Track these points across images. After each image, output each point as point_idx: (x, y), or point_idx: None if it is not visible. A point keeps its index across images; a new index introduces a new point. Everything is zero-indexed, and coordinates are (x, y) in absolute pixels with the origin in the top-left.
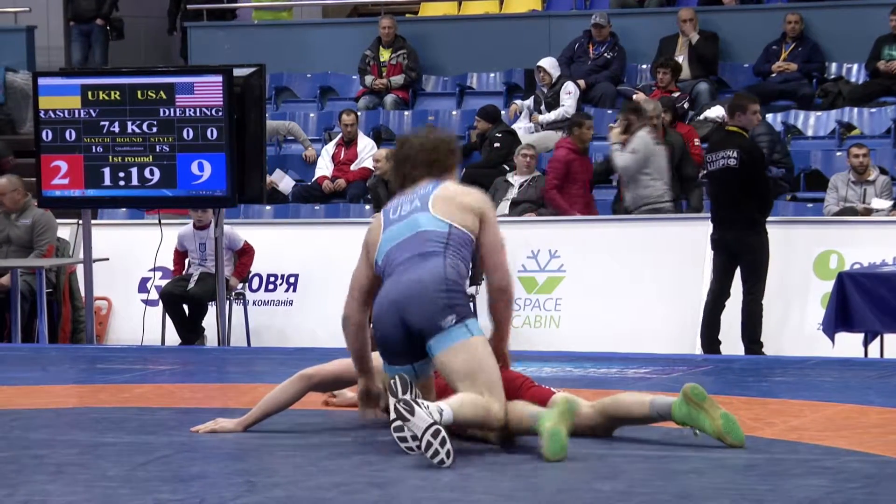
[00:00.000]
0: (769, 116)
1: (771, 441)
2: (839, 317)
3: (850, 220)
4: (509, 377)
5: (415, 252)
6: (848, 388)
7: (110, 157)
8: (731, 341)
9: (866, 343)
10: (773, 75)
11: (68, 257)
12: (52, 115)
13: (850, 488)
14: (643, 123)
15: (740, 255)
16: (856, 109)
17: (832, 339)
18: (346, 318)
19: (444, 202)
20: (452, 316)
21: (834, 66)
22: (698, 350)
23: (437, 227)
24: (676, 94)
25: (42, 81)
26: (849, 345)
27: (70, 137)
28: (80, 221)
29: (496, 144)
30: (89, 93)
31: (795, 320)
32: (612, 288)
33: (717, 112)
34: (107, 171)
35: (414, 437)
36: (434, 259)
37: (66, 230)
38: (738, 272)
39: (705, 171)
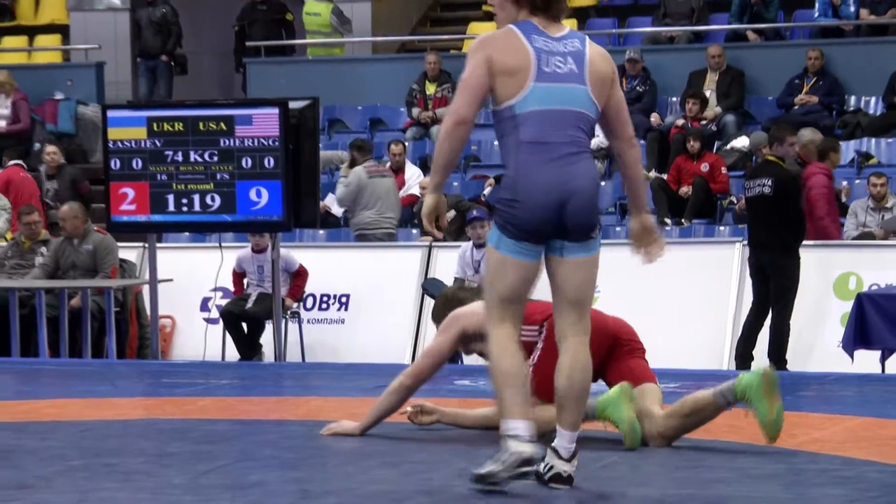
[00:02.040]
0: None
1: (794, 451)
2: (858, 335)
3: (869, 244)
4: (629, 335)
5: (569, 138)
6: (867, 402)
7: (174, 185)
8: (757, 357)
9: (883, 359)
10: (796, 107)
11: (135, 278)
12: (120, 146)
13: (869, 497)
14: (366, 159)
15: (772, 276)
16: (874, 140)
17: (851, 356)
18: (461, 119)
19: (596, 77)
20: (597, 228)
21: (853, 98)
22: (726, 366)
23: (590, 112)
24: (704, 124)
25: (111, 114)
26: (867, 361)
27: (137, 166)
28: (146, 245)
29: None
30: (154, 124)
31: (817, 338)
32: (642, 307)
33: (742, 142)
34: (171, 197)
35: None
36: (587, 161)
37: (132, 253)
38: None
39: (743, 197)
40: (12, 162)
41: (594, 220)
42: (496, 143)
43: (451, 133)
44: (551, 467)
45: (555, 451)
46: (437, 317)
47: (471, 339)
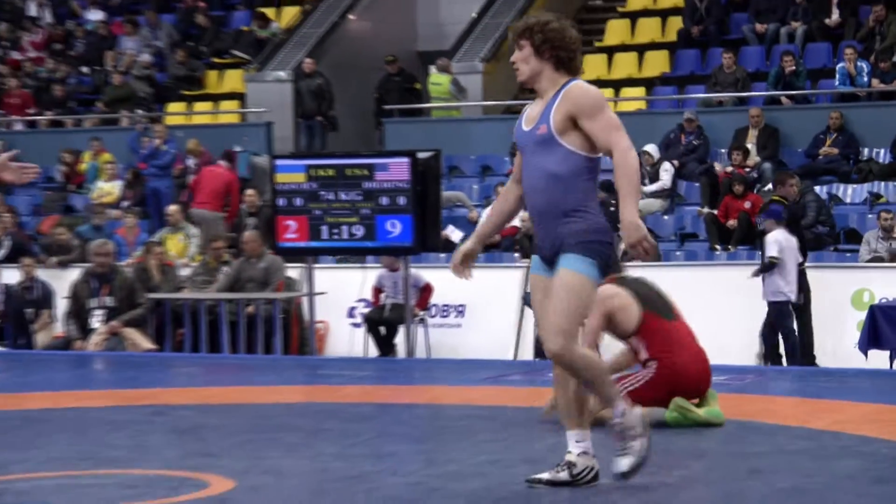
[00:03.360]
0: (817, 188)
1: (820, 431)
2: (871, 338)
3: (880, 266)
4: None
5: None
6: (879, 392)
7: (327, 218)
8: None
9: (892, 358)
10: (820, 157)
11: (297, 291)
12: (285, 187)
13: (881, 467)
14: None
15: None
16: (883, 183)
17: (865, 355)
18: (636, 161)
19: None
20: None
21: (866, 150)
22: (760, 362)
23: None
24: (747, 171)
25: (278, 162)
26: (879, 360)
27: (298, 203)
28: (306, 265)
29: (611, 209)
30: (312, 170)
31: (838, 340)
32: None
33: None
34: (324, 228)
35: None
36: None
37: (295, 271)
38: None
39: (759, 230)
40: None
41: None
42: None
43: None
44: (574, 464)
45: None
46: None
47: (612, 319)
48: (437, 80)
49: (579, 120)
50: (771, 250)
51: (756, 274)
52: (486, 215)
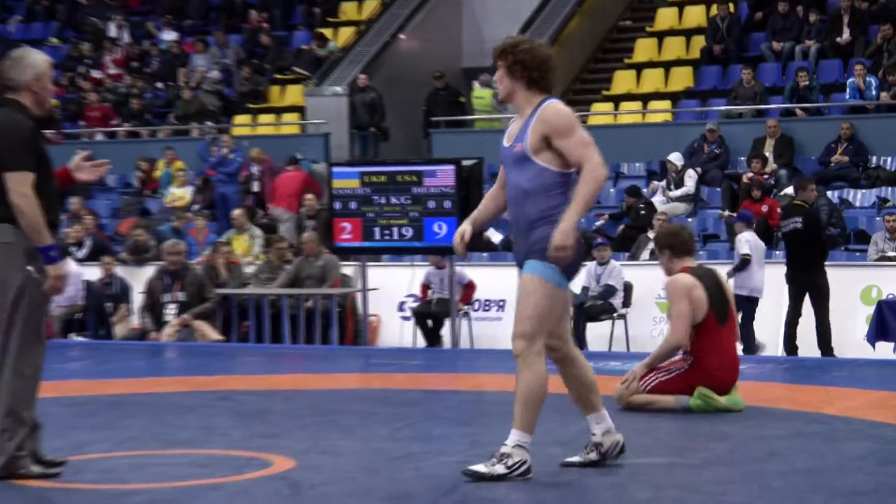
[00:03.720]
0: (829, 193)
1: (832, 416)
2: (878, 331)
3: (886, 264)
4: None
5: None
6: (885, 380)
7: (379, 220)
8: (807, 348)
9: None
10: (832, 165)
11: (352, 287)
12: (341, 192)
13: (888, 449)
14: None
15: (808, 289)
16: (890, 188)
17: (873, 346)
18: (604, 176)
19: None
20: None
21: (874, 158)
22: (780, 352)
23: None
24: (765, 177)
25: (335, 169)
26: (885, 351)
27: (353, 207)
28: (360, 263)
29: (641, 212)
30: (365, 177)
31: (848, 333)
32: None
33: (791, 190)
34: (377, 229)
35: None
36: None
37: (350, 269)
38: (807, 299)
39: (782, 231)
40: None
41: None
42: None
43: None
44: (601, 444)
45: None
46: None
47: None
48: (480, 94)
49: (553, 139)
50: (742, 248)
51: (732, 273)
52: (482, 204)
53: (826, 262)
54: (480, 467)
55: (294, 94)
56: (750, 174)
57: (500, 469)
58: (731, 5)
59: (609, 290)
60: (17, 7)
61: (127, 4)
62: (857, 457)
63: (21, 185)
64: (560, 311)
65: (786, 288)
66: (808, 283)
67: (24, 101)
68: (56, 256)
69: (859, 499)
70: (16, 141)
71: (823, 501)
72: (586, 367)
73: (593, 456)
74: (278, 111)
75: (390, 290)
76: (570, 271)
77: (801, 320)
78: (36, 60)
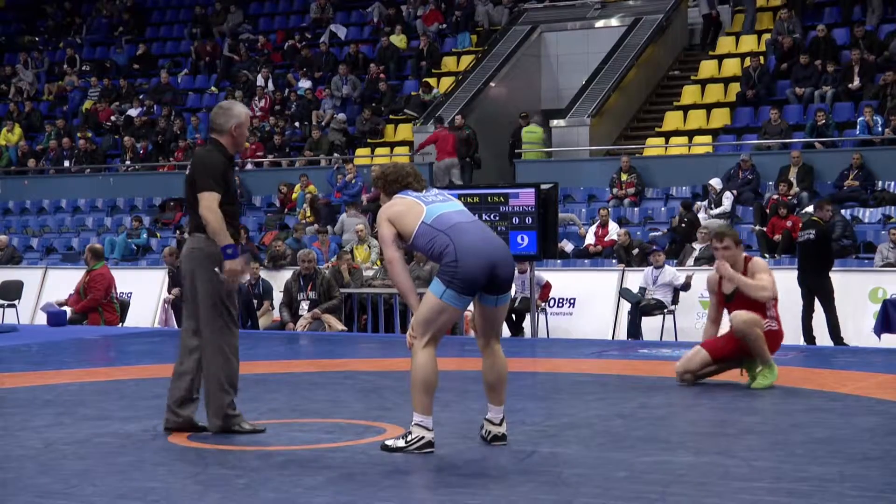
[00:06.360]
0: (843, 211)
1: (845, 395)
2: (884, 324)
3: (890, 270)
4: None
5: (476, 221)
6: (891, 366)
7: None
8: (826, 340)
9: None
10: (845, 188)
11: None
12: None
13: (893, 422)
14: None
15: (815, 291)
16: (893, 207)
17: (879, 337)
18: (394, 260)
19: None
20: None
21: (881, 182)
22: (801, 341)
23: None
24: (790, 199)
25: None
26: (890, 341)
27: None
28: None
29: (683, 225)
30: (462, 198)
31: (858, 326)
32: None
33: (811, 209)
34: None
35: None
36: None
37: None
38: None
39: (797, 240)
40: None
41: (512, 279)
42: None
43: (394, 270)
44: (489, 432)
45: (489, 421)
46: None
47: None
48: (533, 129)
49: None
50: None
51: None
52: None
53: (831, 269)
54: (391, 442)
55: (405, 131)
56: (777, 196)
57: (400, 443)
58: (761, 58)
59: (685, 285)
60: (184, 62)
61: (272, 59)
62: (867, 429)
63: (208, 202)
64: (442, 316)
65: (799, 289)
66: (814, 285)
67: (224, 141)
68: (233, 254)
69: (869, 463)
70: (209, 169)
71: (839, 465)
72: (501, 362)
73: (483, 433)
74: (392, 145)
75: None
76: (450, 282)
77: (814, 315)
78: (239, 112)
